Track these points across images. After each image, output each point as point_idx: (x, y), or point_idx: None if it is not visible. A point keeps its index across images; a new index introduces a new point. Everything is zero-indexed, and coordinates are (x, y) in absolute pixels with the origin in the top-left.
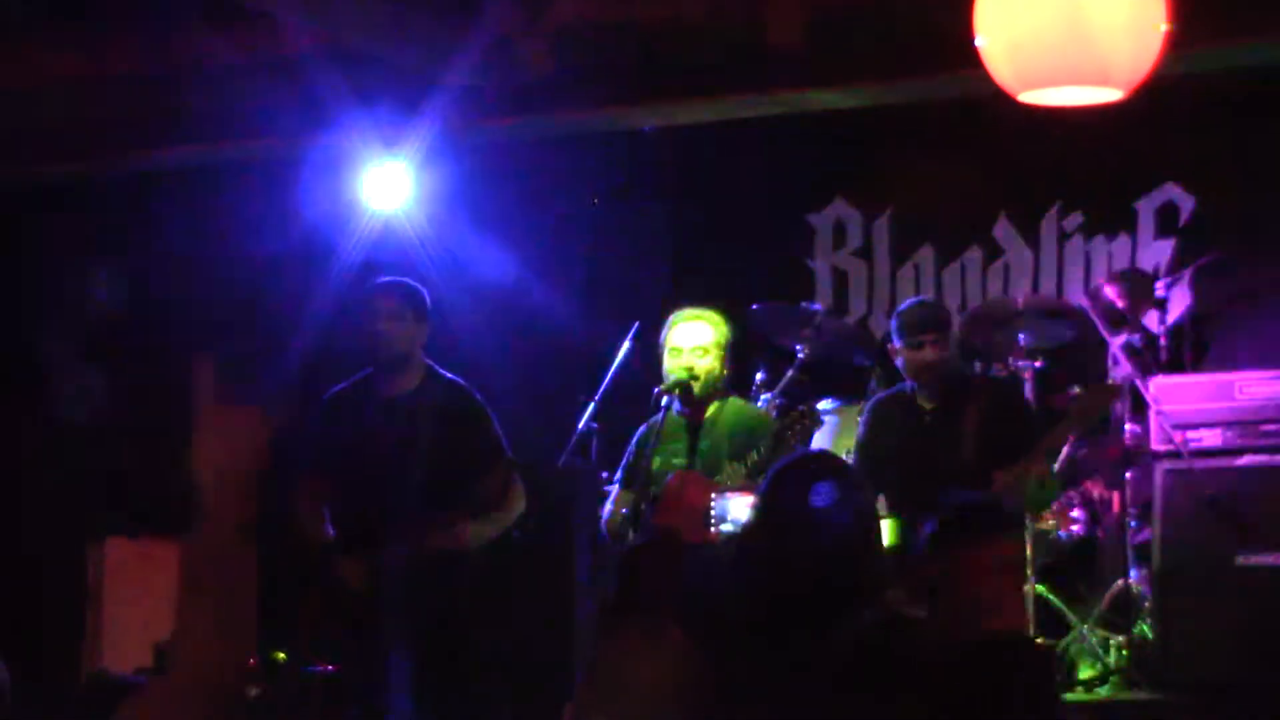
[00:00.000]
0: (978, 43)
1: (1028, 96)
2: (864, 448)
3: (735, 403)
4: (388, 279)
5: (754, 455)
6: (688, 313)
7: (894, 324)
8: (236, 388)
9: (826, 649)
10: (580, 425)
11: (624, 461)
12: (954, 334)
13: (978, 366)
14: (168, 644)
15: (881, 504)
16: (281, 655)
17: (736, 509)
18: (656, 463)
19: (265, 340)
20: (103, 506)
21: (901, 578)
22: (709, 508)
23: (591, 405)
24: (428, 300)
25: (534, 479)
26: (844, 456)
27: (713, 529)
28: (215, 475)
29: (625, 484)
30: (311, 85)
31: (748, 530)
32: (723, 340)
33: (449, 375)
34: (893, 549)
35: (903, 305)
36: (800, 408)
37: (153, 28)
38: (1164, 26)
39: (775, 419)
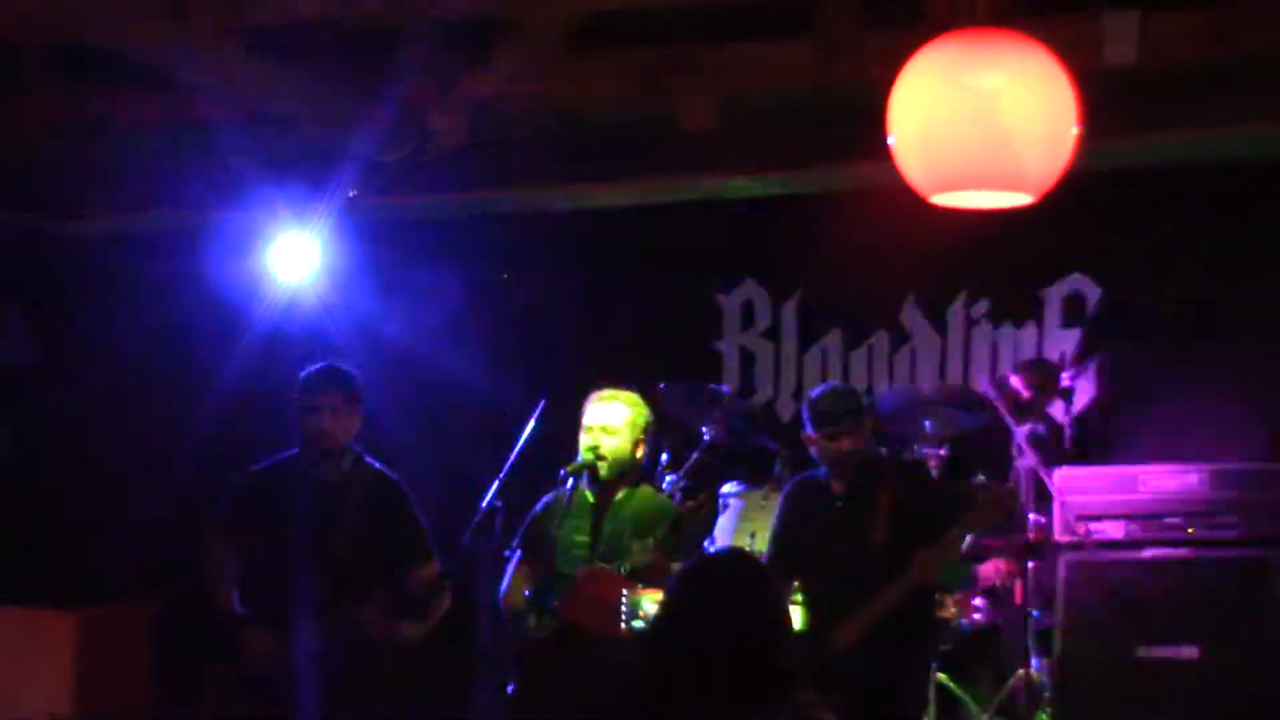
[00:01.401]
0: (890, 141)
1: (939, 198)
2: (778, 534)
3: (644, 491)
4: (327, 366)
5: (651, 540)
6: (604, 393)
7: (806, 412)
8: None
9: None
10: (485, 502)
11: (523, 530)
12: (867, 421)
13: (885, 451)
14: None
15: (794, 589)
16: None
17: (646, 604)
18: (558, 537)
19: None
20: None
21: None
22: (620, 602)
23: (496, 483)
24: (360, 386)
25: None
26: (748, 539)
27: (622, 624)
28: None
29: (524, 554)
30: (222, 155)
31: (655, 627)
32: (636, 421)
33: (377, 464)
34: (804, 634)
35: (815, 392)
36: (698, 495)
37: (67, 88)
38: (1076, 130)
39: (676, 504)
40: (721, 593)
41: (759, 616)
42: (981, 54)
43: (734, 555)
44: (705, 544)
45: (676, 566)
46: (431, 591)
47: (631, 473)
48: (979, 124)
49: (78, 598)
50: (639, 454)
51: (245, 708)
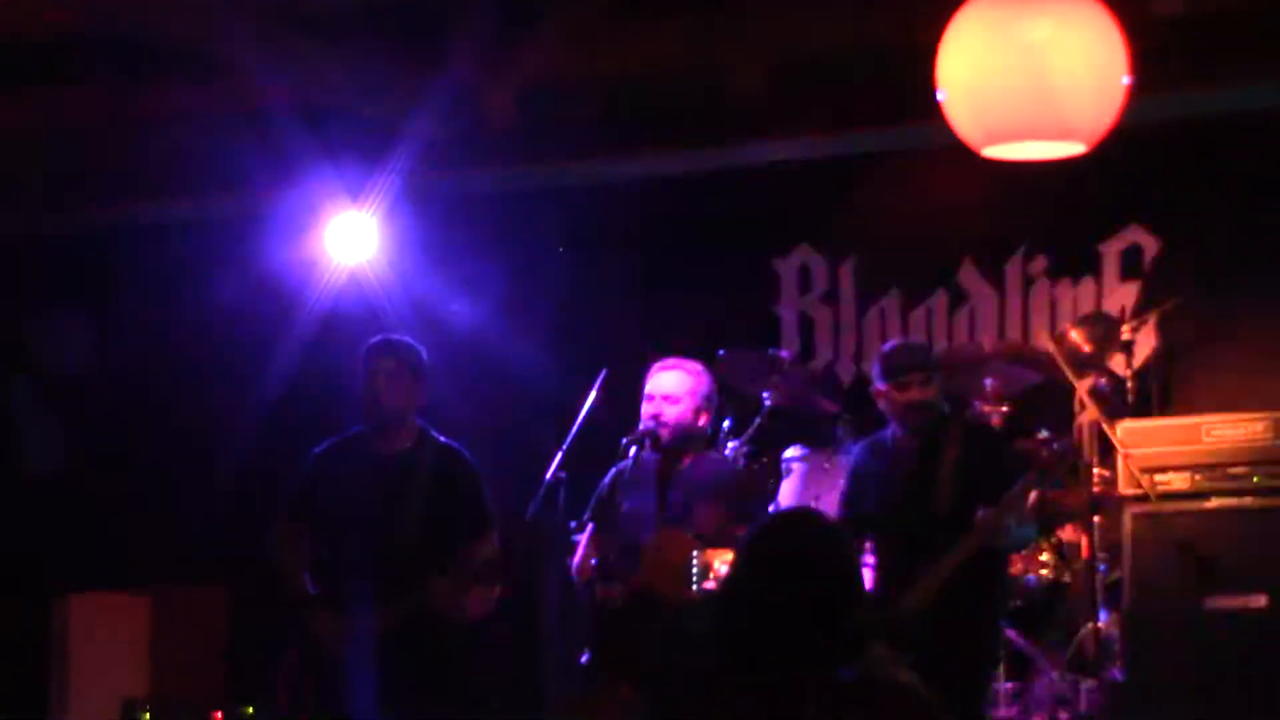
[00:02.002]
0: (939, 96)
1: (990, 151)
2: (847, 495)
3: (710, 457)
4: (386, 337)
5: (716, 506)
6: (666, 362)
7: (878, 366)
8: None
9: (804, 708)
10: (548, 475)
11: (592, 502)
12: (938, 375)
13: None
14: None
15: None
16: (250, 710)
17: (717, 565)
18: (625, 509)
19: None
20: (68, 561)
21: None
22: (690, 564)
23: (559, 454)
24: (425, 361)
25: (503, 530)
26: (812, 502)
27: (694, 586)
28: None
29: (594, 526)
30: (276, 139)
31: (726, 586)
32: (698, 389)
33: (443, 438)
34: (874, 595)
35: (886, 346)
36: (762, 460)
37: (120, 80)
38: (1126, 79)
39: (742, 469)
40: (791, 551)
41: (829, 573)
42: (1029, 5)
43: (803, 513)
44: (770, 508)
45: (742, 530)
46: (492, 566)
47: (696, 440)
48: (1028, 75)
49: (151, 582)
50: (702, 422)
51: (318, 690)
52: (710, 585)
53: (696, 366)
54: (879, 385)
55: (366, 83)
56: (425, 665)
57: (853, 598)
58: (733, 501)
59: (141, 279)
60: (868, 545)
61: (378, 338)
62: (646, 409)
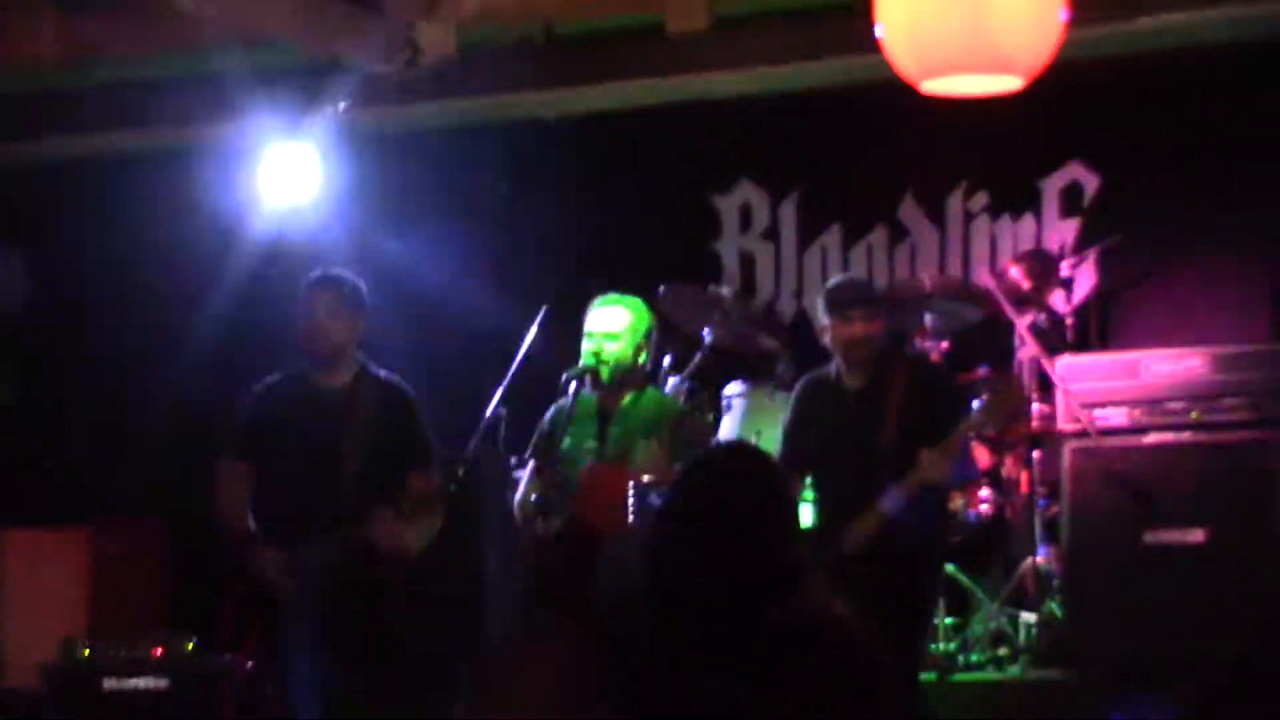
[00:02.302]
0: (877, 32)
1: (929, 85)
2: (789, 430)
3: (650, 394)
4: (325, 272)
5: (655, 441)
6: (605, 298)
7: (822, 301)
8: None
9: (740, 642)
10: (488, 411)
11: (534, 439)
12: (883, 311)
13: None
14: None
15: (804, 486)
16: (191, 645)
17: (653, 499)
18: (566, 444)
19: None
20: (4, 496)
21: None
22: (626, 498)
23: (499, 391)
24: (365, 295)
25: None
26: (753, 438)
27: (630, 520)
28: None
29: (537, 462)
30: (214, 72)
31: (660, 519)
32: (638, 326)
33: (383, 372)
34: (812, 531)
35: (832, 282)
36: (701, 397)
37: (54, 10)
38: (1064, 13)
39: (682, 405)
40: (726, 483)
41: (764, 506)
42: None
43: (738, 446)
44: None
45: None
46: (432, 497)
47: (636, 378)
48: (964, 9)
49: (89, 516)
50: (641, 359)
51: (260, 627)
52: (646, 519)
53: (636, 302)
54: (823, 320)
55: (304, 16)
56: (368, 599)
57: (787, 531)
58: (672, 437)
59: (79, 213)
60: (808, 481)
61: (317, 272)
62: (587, 345)
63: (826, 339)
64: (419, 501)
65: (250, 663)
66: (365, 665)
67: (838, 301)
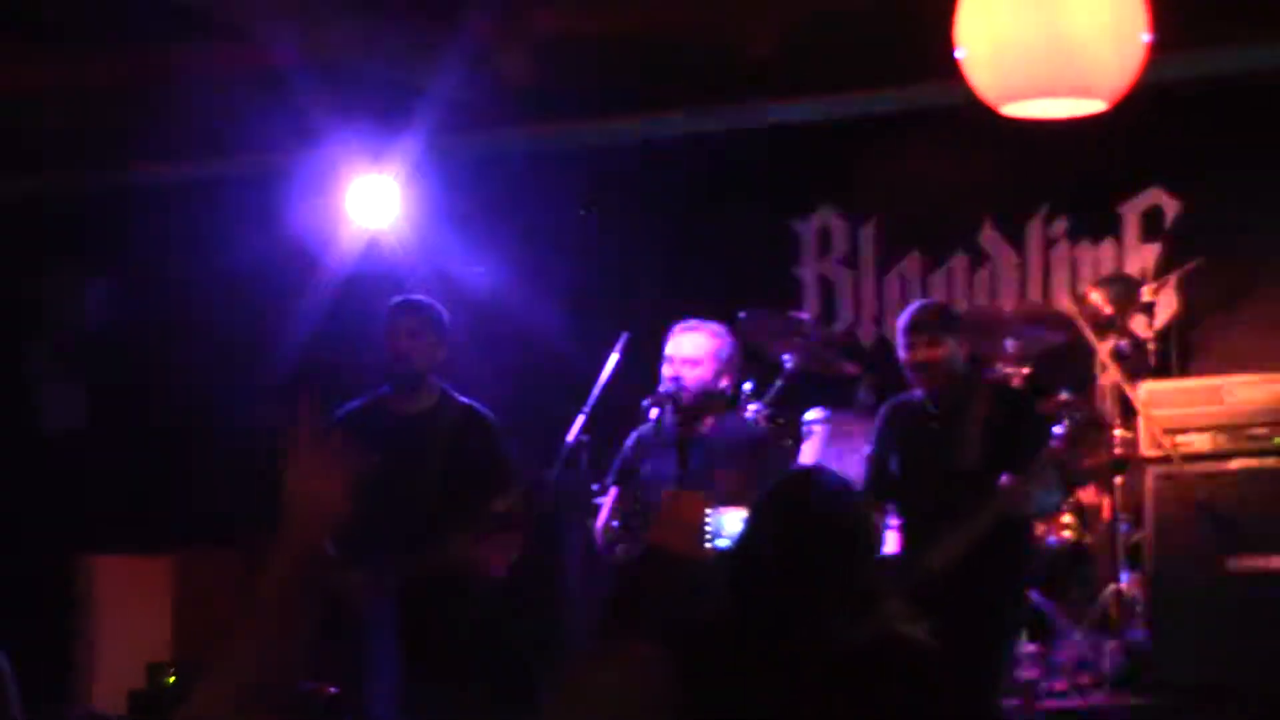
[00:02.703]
0: (958, 54)
1: (1010, 109)
2: (874, 455)
3: (733, 418)
4: (408, 297)
5: (733, 469)
6: (687, 324)
7: (897, 326)
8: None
9: (815, 664)
10: (570, 438)
11: (614, 465)
12: (958, 336)
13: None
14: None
15: (890, 512)
16: None
17: (731, 524)
18: (647, 471)
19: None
20: (89, 523)
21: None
22: (704, 523)
23: (581, 417)
24: (446, 320)
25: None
26: (831, 466)
27: (708, 545)
28: (304, 499)
29: (619, 489)
30: (295, 99)
31: (738, 544)
32: (719, 353)
33: (463, 399)
34: (895, 556)
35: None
36: (782, 423)
37: (135, 42)
38: (1146, 37)
39: (763, 431)
40: (799, 507)
41: (837, 529)
42: None
43: (812, 470)
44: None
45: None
46: (511, 516)
47: (717, 403)
48: (1047, 31)
49: (173, 544)
50: (723, 384)
51: (338, 650)
52: (723, 543)
53: (718, 328)
54: (899, 352)
55: (384, 43)
56: (446, 621)
57: (863, 554)
58: (753, 464)
59: (162, 240)
60: (891, 508)
61: (399, 297)
62: (667, 371)
63: (902, 364)
64: (498, 520)
65: (333, 688)
66: (445, 685)
67: (901, 328)
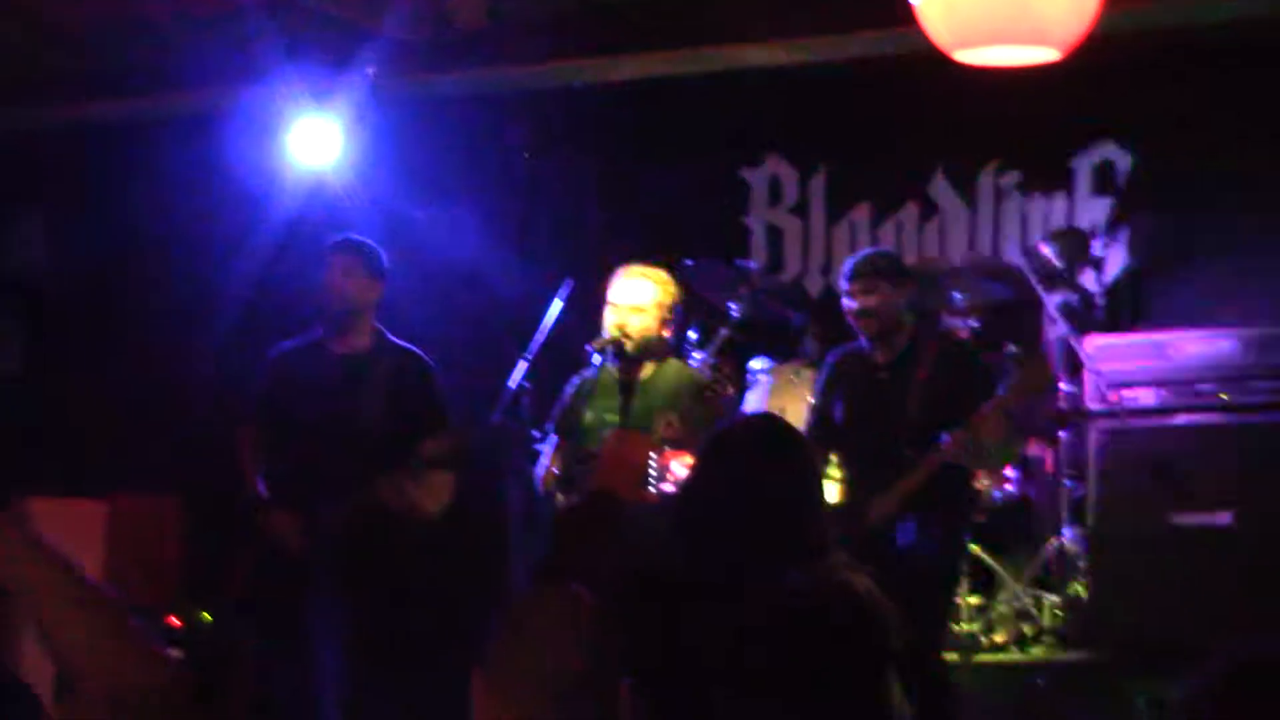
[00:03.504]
0: (913, 1)
1: (963, 55)
2: (818, 404)
3: (674, 364)
4: (345, 236)
5: (674, 415)
6: (631, 269)
7: (841, 273)
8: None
9: (759, 611)
10: (512, 383)
11: (555, 413)
12: (901, 284)
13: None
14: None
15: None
16: (206, 615)
17: (675, 467)
18: (588, 418)
19: None
20: (22, 465)
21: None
22: (648, 465)
23: (524, 363)
24: (384, 262)
25: (464, 434)
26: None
27: (651, 488)
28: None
29: (560, 436)
30: (243, 38)
31: (684, 488)
32: (663, 300)
33: (400, 341)
34: (839, 506)
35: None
36: (726, 371)
37: None
38: None
39: (705, 377)
40: (751, 455)
41: (789, 478)
42: None
43: (765, 418)
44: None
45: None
46: (444, 456)
47: (658, 350)
48: None
49: (108, 488)
50: (665, 332)
51: (271, 590)
52: (668, 488)
53: (663, 275)
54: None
55: None
56: (381, 562)
57: (811, 502)
58: (694, 410)
59: (100, 179)
60: (834, 458)
61: (338, 236)
62: (611, 316)
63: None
64: (431, 464)
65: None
66: (383, 627)
67: (844, 274)
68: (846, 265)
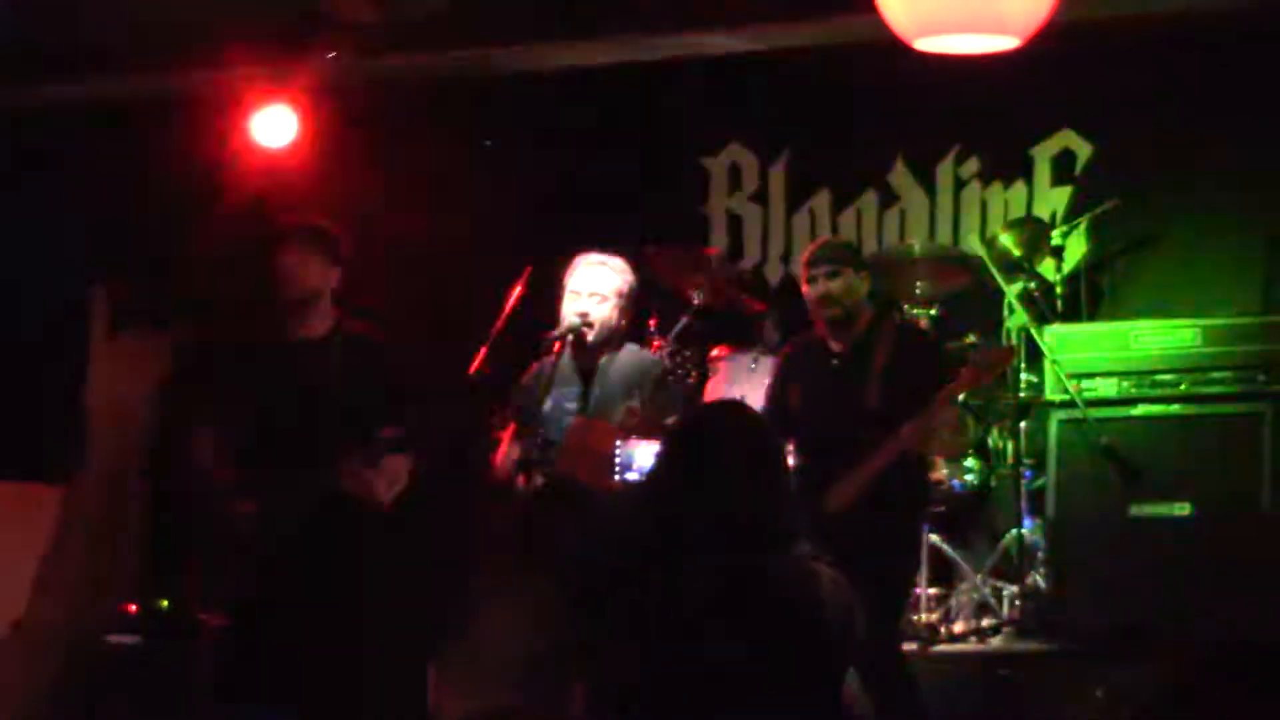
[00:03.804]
0: None
1: (923, 44)
2: (774, 392)
3: (630, 350)
4: (299, 220)
5: (635, 399)
6: (591, 258)
7: (800, 261)
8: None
9: (726, 600)
10: (472, 370)
11: (514, 400)
12: (862, 270)
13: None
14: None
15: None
16: (165, 603)
17: (641, 456)
18: (548, 406)
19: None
20: None
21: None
22: (612, 455)
23: (483, 350)
24: (339, 246)
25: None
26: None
27: (616, 476)
28: (107, 409)
29: (517, 423)
30: (199, 20)
31: (651, 479)
32: (623, 289)
33: (359, 327)
34: (797, 495)
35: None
36: (685, 353)
37: None
38: None
39: (663, 363)
40: (717, 444)
41: (755, 467)
42: None
43: (730, 406)
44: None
45: (665, 421)
46: (401, 441)
47: (617, 338)
48: None
49: (66, 473)
50: (624, 320)
51: (230, 577)
52: (632, 476)
53: (621, 263)
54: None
55: None
56: (339, 547)
57: (779, 491)
58: (654, 397)
59: (54, 162)
60: (790, 444)
61: (291, 221)
62: (572, 304)
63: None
64: (389, 450)
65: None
66: (343, 613)
67: (803, 262)
68: (807, 252)
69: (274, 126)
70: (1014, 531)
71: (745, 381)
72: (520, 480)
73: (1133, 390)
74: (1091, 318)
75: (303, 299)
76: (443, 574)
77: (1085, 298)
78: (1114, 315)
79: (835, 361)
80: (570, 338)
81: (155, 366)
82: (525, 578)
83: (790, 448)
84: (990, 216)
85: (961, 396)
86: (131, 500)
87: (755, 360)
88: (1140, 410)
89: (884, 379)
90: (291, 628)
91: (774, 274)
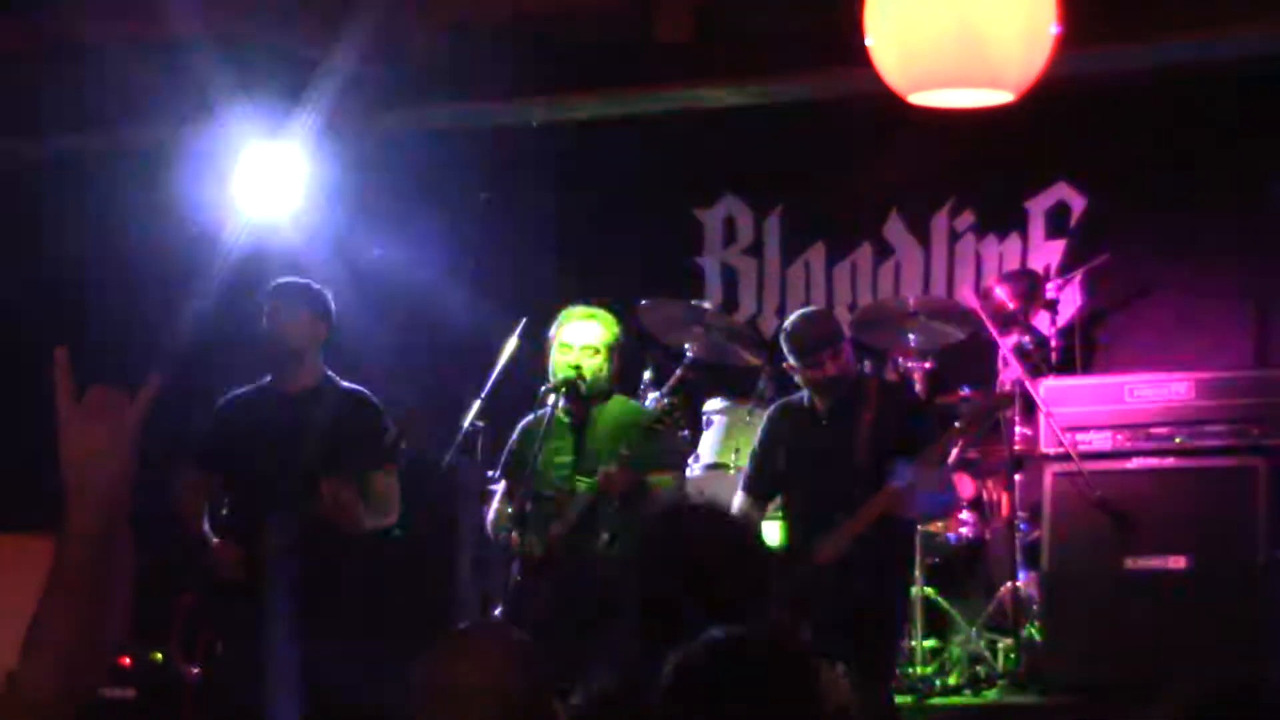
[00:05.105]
0: (867, 43)
1: (917, 98)
2: (757, 454)
3: (617, 400)
4: (287, 278)
5: (623, 449)
6: (580, 310)
7: (786, 345)
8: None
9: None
10: (466, 423)
11: (505, 457)
12: (845, 339)
13: (868, 366)
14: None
15: (774, 505)
16: (159, 655)
17: (608, 517)
18: (540, 459)
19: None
20: None
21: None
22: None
23: (478, 402)
24: (328, 301)
25: (420, 477)
26: (732, 455)
27: (603, 537)
28: (81, 469)
29: (509, 479)
30: (193, 71)
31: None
32: (612, 341)
33: (346, 382)
34: (782, 550)
35: (790, 323)
36: (670, 401)
37: (23, 7)
38: (1055, 29)
39: (654, 411)
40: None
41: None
42: None
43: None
44: (689, 461)
45: (658, 479)
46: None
47: (607, 390)
48: (956, 20)
49: (54, 526)
50: (614, 373)
51: (215, 625)
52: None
53: (609, 316)
54: (791, 362)
55: (288, 14)
56: (325, 580)
57: (761, 589)
58: (644, 444)
59: (50, 214)
60: (778, 502)
61: (281, 278)
62: (564, 357)
63: (797, 378)
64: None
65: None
66: (329, 664)
67: (803, 349)
68: (807, 338)
69: (269, 178)
70: (1009, 584)
71: (741, 434)
72: (514, 535)
73: (1127, 443)
74: (1086, 371)
75: (287, 354)
76: (427, 614)
77: (1080, 351)
78: (1108, 368)
79: (823, 421)
80: (563, 390)
81: (125, 419)
82: (498, 629)
83: (777, 505)
84: (985, 269)
85: (955, 452)
86: (118, 554)
87: (750, 413)
88: (1135, 463)
89: (873, 434)
90: (293, 659)
91: (768, 326)
